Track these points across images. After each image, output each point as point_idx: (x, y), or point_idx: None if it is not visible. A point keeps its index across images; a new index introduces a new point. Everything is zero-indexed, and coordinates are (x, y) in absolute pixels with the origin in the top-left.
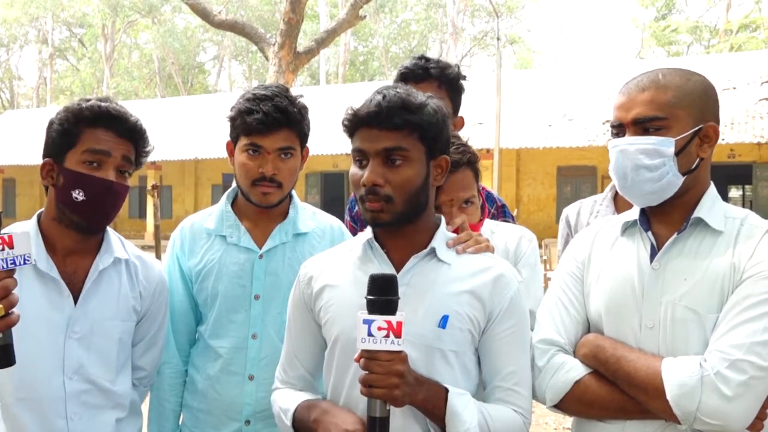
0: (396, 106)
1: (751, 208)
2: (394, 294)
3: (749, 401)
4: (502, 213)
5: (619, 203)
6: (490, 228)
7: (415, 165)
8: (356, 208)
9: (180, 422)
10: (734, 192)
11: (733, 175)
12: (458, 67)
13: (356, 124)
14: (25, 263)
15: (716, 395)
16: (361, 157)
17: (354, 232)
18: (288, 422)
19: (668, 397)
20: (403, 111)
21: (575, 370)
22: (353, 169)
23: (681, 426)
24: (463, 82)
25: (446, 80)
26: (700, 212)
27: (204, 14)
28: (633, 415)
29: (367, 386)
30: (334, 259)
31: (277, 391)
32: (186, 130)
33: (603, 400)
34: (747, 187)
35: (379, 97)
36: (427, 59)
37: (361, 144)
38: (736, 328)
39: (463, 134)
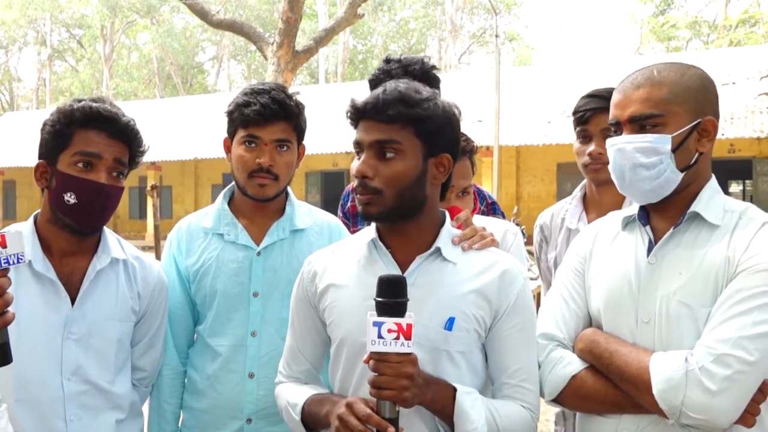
0: (393, 98)
1: (751, 203)
2: (403, 296)
3: (734, 396)
4: (492, 210)
5: (589, 204)
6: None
7: (408, 159)
8: (349, 204)
9: (180, 423)
10: (734, 187)
11: (733, 170)
12: (422, 61)
13: (355, 115)
14: (18, 262)
15: (700, 390)
16: (358, 149)
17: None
18: (297, 417)
19: (654, 391)
20: (398, 104)
21: (572, 364)
22: (354, 162)
23: (669, 420)
24: (435, 72)
25: (414, 77)
26: (696, 206)
27: (202, 14)
28: (627, 410)
29: (377, 388)
30: (338, 256)
31: (282, 385)
32: (185, 130)
33: (598, 394)
34: (747, 182)
35: (380, 90)
36: (389, 60)
37: (358, 135)
38: (725, 323)
39: (463, 132)
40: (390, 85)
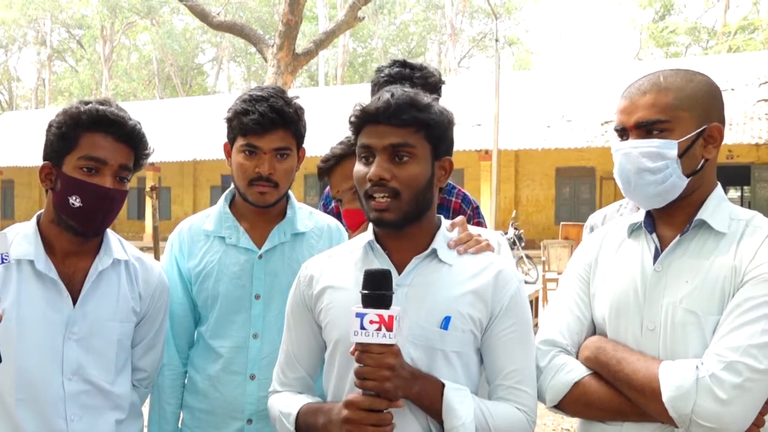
0: (405, 103)
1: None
2: (388, 288)
3: (744, 404)
4: (477, 214)
5: None
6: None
7: (421, 163)
8: (332, 205)
9: (180, 423)
10: (732, 193)
11: (731, 176)
12: (439, 74)
13: (364, 120)
14: (2, 262)
15: (711, 398)
16: (367, 153)
17: None
18: (291, 427)
19: (664, 399)
20: (411, 108)
21: (575, 371)
22: (358, 167)
23: (678, 429)
24: (442, 87)
25: (429, 88)
26: (703, 214)
27: (202, 16)
28: (630, 417)
29: (361, 378)
30: (334, 260)
31: (275, 395)
32: (185, 131)
33: (601, 401)
34: (746, 188)
35: (388, 95)
36: (412, 66)
37: (368, 140)
38: (734, 331)
39: (461, 135)
40: (396, 90)
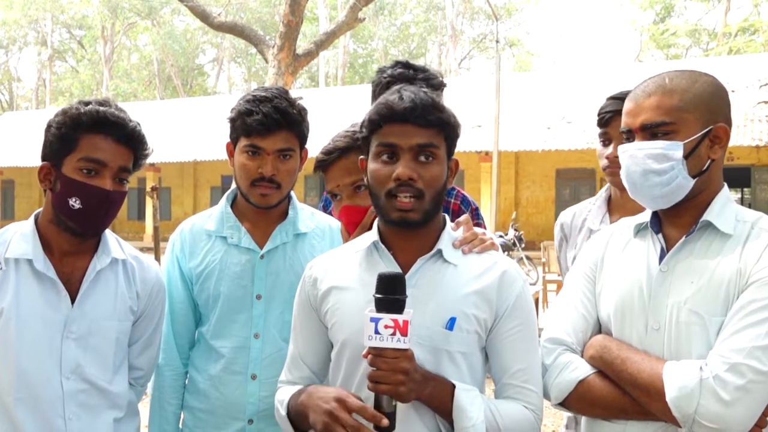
0: (429, 104)
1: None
2: (402, 293)
3: (748, 406)
4: (476, 215)
5: (613, 206)
6: None
7: (441, 163)
8: (331, 208)
9: (180, 423)
10: (733, 195)
11: (731, 178)
12: (441, 75)
13: (387, 118)
14: None
15: (714, 399)
16: (389, 151)
17: None
18: (283, 412)
19: (667, 399)
20: (435, 109)
21: (580, 369)
22: (376, 165)
23: (681, 429)
24: (444, 90)
25: (431, 89)
26: (709, 215)
27: (203, 16)
28: (633, 416)
29: (374, 382)
30: (339, 260)
31: (279, 389)
32: (185, 132)
33: (605, 400)
34: (746, 190)
35: (410, 95)
36: (414, 68)
37: (391, 138)
38: (738, 333)
39: (461, 136)
40: (416, 90)
